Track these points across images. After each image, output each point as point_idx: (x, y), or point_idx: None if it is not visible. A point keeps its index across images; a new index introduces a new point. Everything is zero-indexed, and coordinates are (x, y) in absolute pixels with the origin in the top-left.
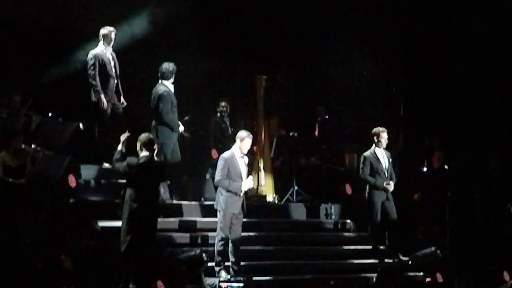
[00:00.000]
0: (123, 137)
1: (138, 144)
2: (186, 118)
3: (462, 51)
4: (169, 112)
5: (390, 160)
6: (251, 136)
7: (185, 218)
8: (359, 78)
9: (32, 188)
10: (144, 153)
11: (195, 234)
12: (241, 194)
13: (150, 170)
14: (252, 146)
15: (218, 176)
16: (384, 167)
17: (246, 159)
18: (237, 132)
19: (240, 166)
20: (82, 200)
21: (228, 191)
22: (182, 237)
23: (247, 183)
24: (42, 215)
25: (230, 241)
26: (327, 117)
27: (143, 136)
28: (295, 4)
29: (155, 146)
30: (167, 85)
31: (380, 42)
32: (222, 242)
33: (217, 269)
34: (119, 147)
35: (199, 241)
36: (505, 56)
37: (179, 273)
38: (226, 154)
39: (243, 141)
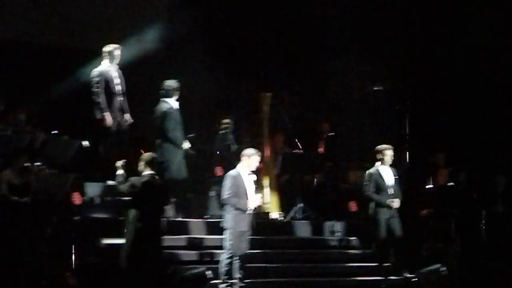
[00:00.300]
0: (119, 163)
1: (141, 163)
2: (191, 135)
3: (468, 68)
4: (173, 130)
5: (396, 177)
6: (259, 153)
7: (190, 235)
8: (364, 95)
9: (36, 206)
10: (147, 172)
11: (199, 251)
12: (249, 211)
13: (154, 188)
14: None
15: (225, 194)
16: (388, 184)
17: (254, 176)
18: (242, 150)
19: (247, 184)
20: (87, 218)
21: (236, 208)
22: (187, 255)
23: (255, 201)
24: (46, 233)
25: (235, 258)
26: (332, 134)
27: (146, 155)
28: (301, 22)
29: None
30: (171, 103)
31: (385, 59)
32: (229, 260)
33: (222, 286)
34: (119, 171)
35: (204, 258)
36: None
37: None
38: (232, 172)
39: (251, 158)
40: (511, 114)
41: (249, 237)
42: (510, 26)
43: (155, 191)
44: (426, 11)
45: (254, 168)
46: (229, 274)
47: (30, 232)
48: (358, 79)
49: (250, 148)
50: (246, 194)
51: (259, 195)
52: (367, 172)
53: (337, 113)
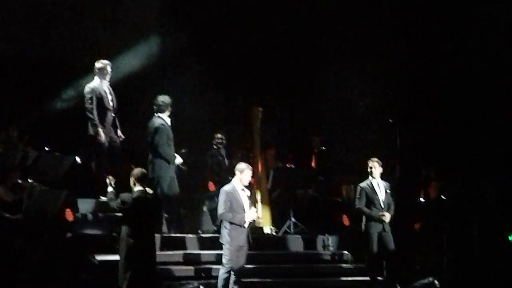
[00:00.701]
0: (108, 180)
1: (132, 180)
2: (183, 150)
3: (459, 82)
4: (165, 145)
5: (388, 191)
6: (250, 167)
7: (183, 251)
8: (356, 109)
9: (29, 223)
10: (137, 188)
11: (193, 267)
12: (245, 226)
13: (145, 204)
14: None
15: (220, 209)
16: (380, 198)
17: (248, 192)
18: (234, 164)
19: (242, 199)
20: (79, 234)
21: (232, 223)
22: (181, 270)
23: (251, 215)
24: (39, 250)
25: (232, 272)
26: (323, 148)
27: (136, 171)
28: (292, 37)
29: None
30: (163, 118)
31: (376, 72)
32: (226, 275)
33: None
34: (109, 188)
35: (198, 274)
36: (501, 87)
37: None
38: (227, 187)
39: (243, 173)
40: (502, 127)
41: (246, 252)
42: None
43: (146, 207)
44: (419, 26)
45: (247, 183)
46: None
47: (22, 249)
48: (349, 93)
49: (242, 163)
50: (243, 208)
51: (254, 209)
52: (358, 186)
53: (329, 127)
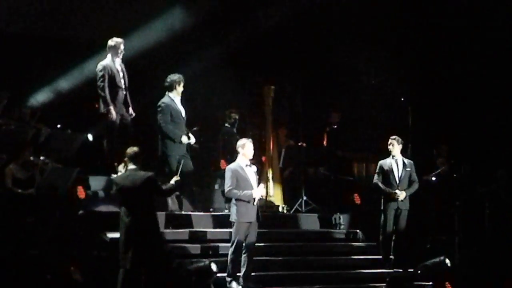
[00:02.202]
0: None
1: (125, 159)
2: (195, 128)
3: (472, 60)
4: (168, 123)
5: (408, 169)
6: (250, 140)
7: (195, 229)
8: (367, 88)
9: (41, 200)
10: (130, 167)
11: (204, 245)
12: (255, 202)
13: (135, 182)
14: (260, 156)
15: (227, 187)
16: (396, 175)
17: (254, 167)
18: None
19: (249, 175)
20: (91, 212)
21: (240, 200)
22: (192, 248)
23: (259, 191)
24: (51, 227)
25: (244, 249)
26: (335, 127)
27: (129, 149)
28: (304, 15)
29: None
30: (172, 96)
31: (387, 51)
32: (236, 254)
33: (228, 279)
34: (120, 168)
35: (209, 252)
36: None
37: (189, 284)
38: (232, 165)
39: (244, 147)
40: None
41: (257, 229)
42: None
43: (137, 186)
44: (430, 3)
45: (251, 156)
46: (235, 266)
47: (34, 226)
48: (361, 72)
49: (241, 139)
50: (250, 185)
51: (262, 185)
52: (379, 162)
53: (341, 106)
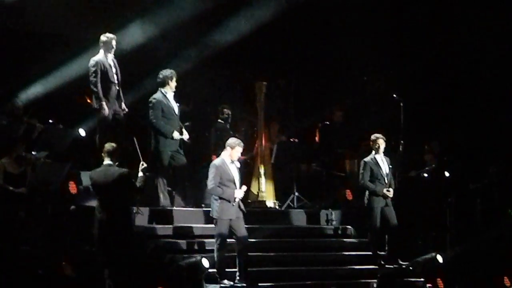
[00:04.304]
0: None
1: (102, 154)
2: (187, 124)
3: (464, 56)
4: (159, 119)
5: (390, 166)
6: (242, 145)
7: (186, 224)
8: (360, 84)
9: (32, 195)
10: (106, 162)
11: (196, 240)
12: (234, 203)
13: (108, 178)
14: (252, 151)
15: (210, 184)
16: (384, 173)
17: (238, 164)
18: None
19: (232, 172)
20: (82, 207)
21: (221, 198)
22: (183, 244)
23: (241, 192)
24: (43, 222)
25: (237, 243)
26: (327, 123)
27: (107, 144)
28: (296, 11)
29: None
30: (164, 92)
31: (380, 48)
32: (221, 250)
33: (218, 276)
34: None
35: (200, 247)
36: (505, 62)
37: (180, 279)
38: (216, 161)
39: (234, 149)
40: (506, 104)
41: (243, 220)
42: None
43: (109, 181)
44: (425, 1)
45: (236, 159)
46: (222, 262)
47: (26, 221)
48: (354, 68)
49: (234, 138)
50: (233, 181)
51: (244, 187)
52: (362, 161)
53: (333, 102)
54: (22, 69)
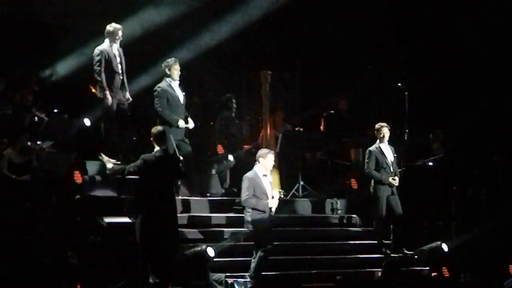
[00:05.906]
0: (102, 158)
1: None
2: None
3: (469, 45)
4: (164, 108)
5: (395, 155)
6: (272, 152)
7: (192, 213)
8: (365, 73)
9: (37, 185)
10: (157, 148)
11: (201, 229)
12: (271, 212)
13: (166, 164)
14: (257, 141)
15: (244, 195)
16: (389, 161)
17: (270, 178)
18: (242, 127)
19: (264, 184)
20: (88, 196)
21: (255, 209)
22: (189, 233)
23: (274, 202)
24: (48, 211)
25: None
26: (332, 112)
27: (154, 129)
28: (301, 0)
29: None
30: (169, 81)
31: (385, 37)
32: (259, 260)
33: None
34: (109, 165)
35: (206, 236)
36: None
37: (186, 268)
38: (249, 174)
39: (266, 158)
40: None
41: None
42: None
43: (167, 168)
44: None
45: (270, 168)
46: (258, 270)
47: (31, 211)
48: (358, 56)
49: (263, 149)
50: (265, 194)
51: (277, 195)
52: (367, 149)
53: (338, 91)
54: (27, 58)
